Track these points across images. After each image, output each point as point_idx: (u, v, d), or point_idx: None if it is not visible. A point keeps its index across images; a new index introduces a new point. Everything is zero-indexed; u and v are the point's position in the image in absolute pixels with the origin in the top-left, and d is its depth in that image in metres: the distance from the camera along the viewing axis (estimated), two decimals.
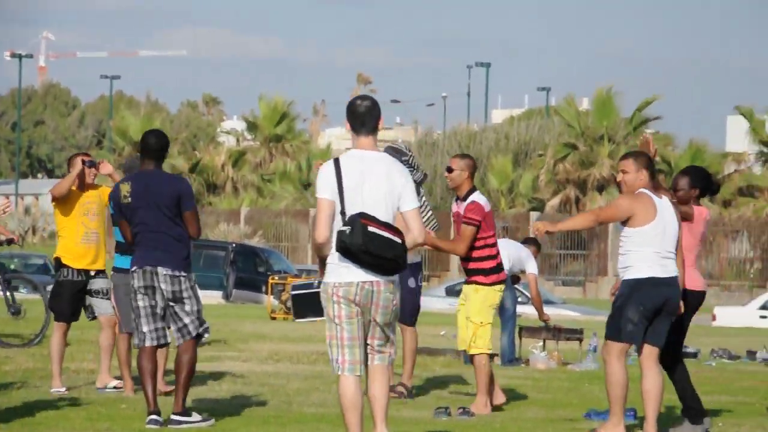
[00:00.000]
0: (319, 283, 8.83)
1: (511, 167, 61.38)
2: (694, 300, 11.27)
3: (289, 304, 28.14)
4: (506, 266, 14.73)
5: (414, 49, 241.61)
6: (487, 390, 12.25)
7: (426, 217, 13.24)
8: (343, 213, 8.62)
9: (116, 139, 77.67)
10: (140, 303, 10.97)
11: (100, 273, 13.01)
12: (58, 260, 13.03)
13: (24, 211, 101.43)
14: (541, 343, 17.86)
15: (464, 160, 12.45)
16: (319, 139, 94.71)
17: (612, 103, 59.57)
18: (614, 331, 10.49)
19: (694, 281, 11.21)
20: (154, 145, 11.12)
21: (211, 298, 35.03)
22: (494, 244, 12.32)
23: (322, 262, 8.76)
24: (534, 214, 51.40)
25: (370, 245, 8.52)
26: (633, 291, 10.44)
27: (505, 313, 17.10)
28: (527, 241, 17.88)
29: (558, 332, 17.96)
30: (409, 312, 13.17)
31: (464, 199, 12.30)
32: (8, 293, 18.10)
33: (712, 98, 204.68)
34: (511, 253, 16.91)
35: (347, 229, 8.52)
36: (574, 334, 18.07)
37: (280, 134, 75.09)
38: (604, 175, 56.72)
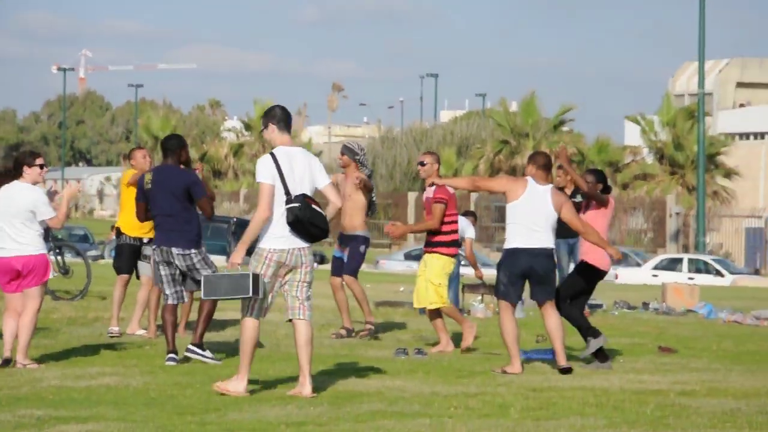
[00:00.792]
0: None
1: (455, 158, 61.48)
2: (600, 276, 11.41)
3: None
4: None
5: (378, 62, 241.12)
6: (445, 331, 12.31)
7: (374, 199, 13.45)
8: (288, 194, 8.81)
9: (141, 135, 77.32)
10: (162, 272, 10.97)
11: (150, 241, 12.94)
12: (118, 230, 12.99)
13: None
14: (480, 297, 17.85)
15: (433, 155, 12.44)
16: (302, 135, 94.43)
17: (535, 105, 59.91)
18: (495, 290, 10.80)
19: (601, 260, 11.28)
20: (172, 145, 11.07)
21: (216, 262, 34.72)
22: (455, 222, 12.30)
23: (247, 242, 8.89)
24: (473, 195, 51.37)
25: (313, 218, 8.80)
26: (504, 258, 10.66)
27: (450, 274, 17.05)
28: (467, 213, 17.85)
29: (491, 288, 17.92)
30: (354, 268, 13.32)
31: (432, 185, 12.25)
32: (59, 257, 18.01)
33: (613, 101, 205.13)
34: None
35: (297, 205, 8.77)
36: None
37: None
38: None
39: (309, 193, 8.92)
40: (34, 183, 10.43)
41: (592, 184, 11.45)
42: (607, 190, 11.51)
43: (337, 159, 13.69)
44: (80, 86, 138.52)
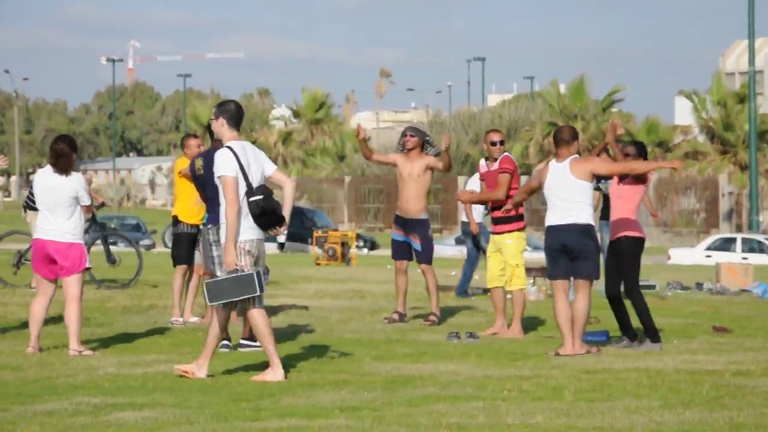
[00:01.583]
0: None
1: None
2: (629, 245, 10.99)
3: (331, 252, 28.18)
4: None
5: (425, 47, 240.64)
6: (521, 317, 12.16)
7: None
8: (250, 186, 9.00)
9: (190, 124, 77.68)
10: (214, 253, 10.92)
11: None
12: (175, 218, 12.94)
13: (120, 182, 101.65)
14: (532, 280, 17.79)
15: (502, 134, 12.35)
16: (351, 121, 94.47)
17: (583, 88, 59.69)
18: (548, 273, 10.78)
19: (640, 230, 11.09)
20: None
21: (268, 249, 35.02)
22: (516, 190, 11.96)
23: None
24: (524, 177, 51.17)
25: (276, 208, 9.03)
26: (545, 240, 10.62)
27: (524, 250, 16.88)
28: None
29: (545, 270, 17.82)
30: (431, 256, 13.18)
31: (496, 160, 12.16)
32: (106, 247, 18.14)
33: (663, 81, 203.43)
34: None
35: (261, 197, 8.98)
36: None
37: (319, 118, 75.00)
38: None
39: (261, 183, 9.16)
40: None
41: (633, 156, 11.27)
42: None
43: (402, 141, 13.22)
44: (129, 77, 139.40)
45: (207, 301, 9.05)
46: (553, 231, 10.56)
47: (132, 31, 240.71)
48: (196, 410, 7.69)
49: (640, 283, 11.12)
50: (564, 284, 10.59)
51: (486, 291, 12.33)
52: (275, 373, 8.95)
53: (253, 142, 74.59)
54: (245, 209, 8.97)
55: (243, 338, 10.92)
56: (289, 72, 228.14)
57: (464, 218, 16.87)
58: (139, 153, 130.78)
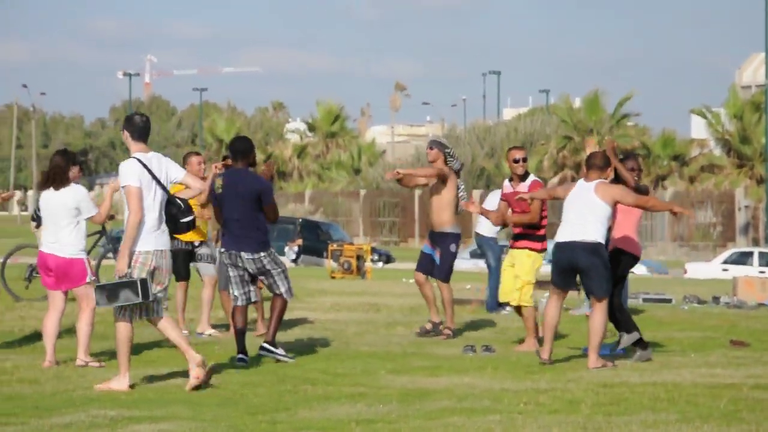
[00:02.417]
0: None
1: None
2: (626, 259, 11.20)
3: (346, 265, 28.16)
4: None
5: (440, 61, 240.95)
6: (534, 333, 12.16)
7: (462, 196, 13.28)
8: (167, 194, 9.25)
9: (207, 138, 77.86)
10: (231, 273, 10.99)
11: (203, 243, 12.99)
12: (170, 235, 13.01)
13: None
14: (548, 294, 17.74)
15: (525, 151, 12.41)
16: (366, 135, 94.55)
17: (598, 101, 59.74)
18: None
19: (635, 247, 11.19)
20: (242, 148, 10.99)
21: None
22: (545, 217, 12.17)
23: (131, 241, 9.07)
24: None
25: (187, 215, 9.33)
26: (553, 253, 10.85)
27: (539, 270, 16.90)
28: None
29: None
30: (446, 272, 13.12)
31: (523, 179, 12.18)
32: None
33: (679, 95, 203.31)
34: None
35: (178, 206, 9.32)
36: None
37: (335, 131, 75.10)
38: None
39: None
40: (74, 181, 10.57)
41: (637, 171, 11.38)
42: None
43: (425, 153, 13.57)
44: (146, 91, 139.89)
45: (96, 303, 9.28)
46: (561, 248, 10.61)
47: (148, 46, 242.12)
48: (212, 423, 7.69)
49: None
50: (559, 292, 10.74)
51: (517, 309, 12.32)
52: (120, 382, 9.11)
53: (269, 156, 74.60)
54: (153, 220, 9.11)
55: (266, 341, 10.95)
56: (304, 85, 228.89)
57: (478, 230, 16.85)
58: None
